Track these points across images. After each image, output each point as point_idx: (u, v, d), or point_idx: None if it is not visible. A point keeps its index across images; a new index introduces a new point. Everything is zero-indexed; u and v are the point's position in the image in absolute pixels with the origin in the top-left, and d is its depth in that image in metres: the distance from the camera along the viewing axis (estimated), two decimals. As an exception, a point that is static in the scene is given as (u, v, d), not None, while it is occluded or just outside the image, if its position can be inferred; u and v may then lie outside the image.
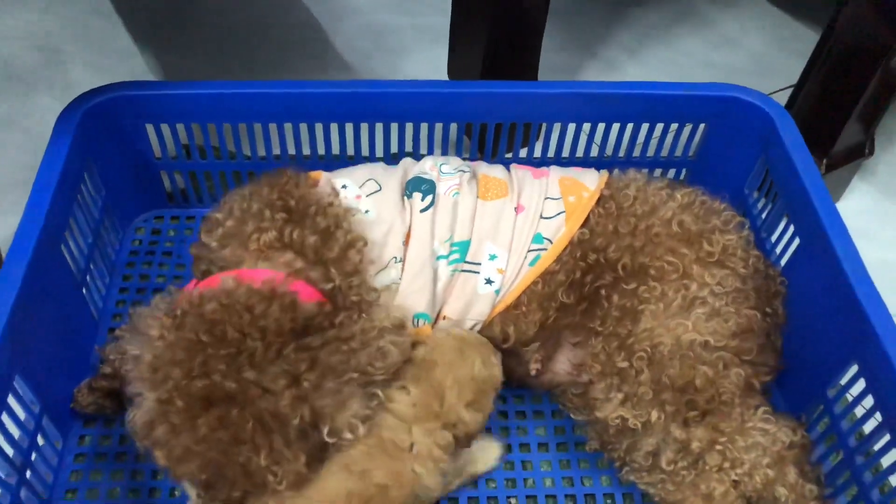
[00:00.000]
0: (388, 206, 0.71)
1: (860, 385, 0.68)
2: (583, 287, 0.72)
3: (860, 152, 0.99)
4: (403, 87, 0.85)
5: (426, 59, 1.23)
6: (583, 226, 0.73)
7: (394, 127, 0.88)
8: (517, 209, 0.74)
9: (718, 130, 0.89)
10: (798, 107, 0.97)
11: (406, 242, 0.71)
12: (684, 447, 0.66)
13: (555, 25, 1.28)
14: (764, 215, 0.86)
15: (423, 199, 0.72)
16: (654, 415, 0.65)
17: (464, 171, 0.75)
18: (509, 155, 0.98)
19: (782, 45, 1.33)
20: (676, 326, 0.66)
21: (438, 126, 0.88)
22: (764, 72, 1.28)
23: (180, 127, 0.86)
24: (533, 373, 0.76)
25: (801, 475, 0.67)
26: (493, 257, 0.73)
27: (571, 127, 0.90)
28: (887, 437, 0.64)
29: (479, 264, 0.72)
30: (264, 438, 0.54)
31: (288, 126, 0.86)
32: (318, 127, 0.86)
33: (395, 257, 0.70)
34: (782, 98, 1.02)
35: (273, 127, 0.85)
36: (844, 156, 0.99)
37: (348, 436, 0.58)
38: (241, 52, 1.24)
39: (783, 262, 0.81)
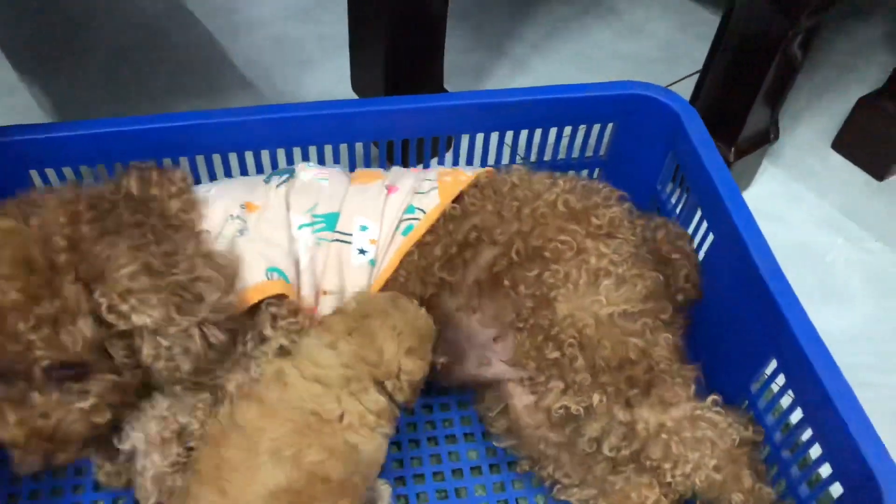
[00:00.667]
0: (233, 184, 0.74)
1: (782, 379, 0.68)
2: (464, 266, 0.71)
3: (766, 138, 1.01)
4: (300, 110, 0.82)
5: (333, 70, 1.20)
6: (456, 202, 0.74)
7: (296, 151, 0.84)
8: (389, 189, 0.75)
9: (627, 129, 0.89)
10: (704, 96, 0.98)
11: (249, 209, 0.71)
12: (630, 430, 0.65)
13: (462, 26, 1.27)
14: (678, 211, 0.85)
15: (279, 178, 0.74)
16: (596, 398, 0.64)
17: (337, 169, 0.77)
18: (420, 167, 0.95)
19: (687, 31, 1.34)
20: (592, 304, 0.66)
21: (343, 146, 0.85)
22: (672, 59, 1.29)
23: (67, 171, 0.80)
24: (437, 367, 0.73)
25: (756, 477, 0.66)
26: (364, 228, 0.72)
27: (480, 136, 0.88)
28: (810, 432, 0.64)
29: (351, 234, 0.72)
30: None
31: (185, 160, 0.81)
32: (216, 158, 0.82)
33: (232, 214, 0.70)
34: (689, 84, 1.02)
35: (168, 162, 0.81)
36: (752, 142, 1.00)
37: (122, 306, 0.58)
38: (137, 77, 1.18)
39: (701, 256, 0.81)
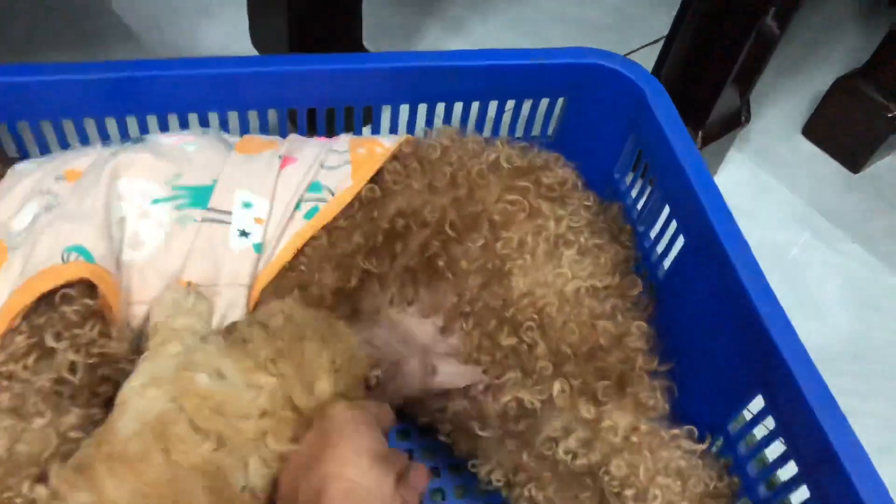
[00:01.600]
0: (66, 154, 0.60)
1: (770, 422, 0.55)
2: (392, 257, 0.59)
3: (737, 121, 0.88)
4: (175, 68, 0.64)
5: (230, 23, 1.01)
6: (374, 180, 0.61)
7: (172, 119, 0.66)
8: (284, 160, 0.61)
9: (580, 105, 0.74)
10: (666, 73, 0.84)
11: (68, 178, 0.57)
12: (592, 432, 0.53)
13: (388, -20, 1.10)
14: (640, 206, 0.71)
15: (124, 144, 0.60)
16: (557, 387, 0.53)
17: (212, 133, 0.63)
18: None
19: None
20: (555, 278, 0.55)
21: (233, 115, 0.68)
22: (625, 26, 1.15)
23: None
24: (372, 382, 0.58)
25: None
26: (247, 205, 0.58)
27: (404, 108, 0.72)
28: (794, 467, 0.52)
29: (229, 213, 0.58)
30: None
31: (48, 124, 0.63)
32: (90, 123, 0.65)
33: (42, 189, 0.56)
34: (643, 57, 0.88)
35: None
36: (720, 126, 0.87)
37: None
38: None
39: (667, 263, 0.67)
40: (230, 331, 0.51)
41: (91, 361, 0.51)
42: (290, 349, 0.48)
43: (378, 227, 0.59)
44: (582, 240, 0.58)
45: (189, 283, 0.56)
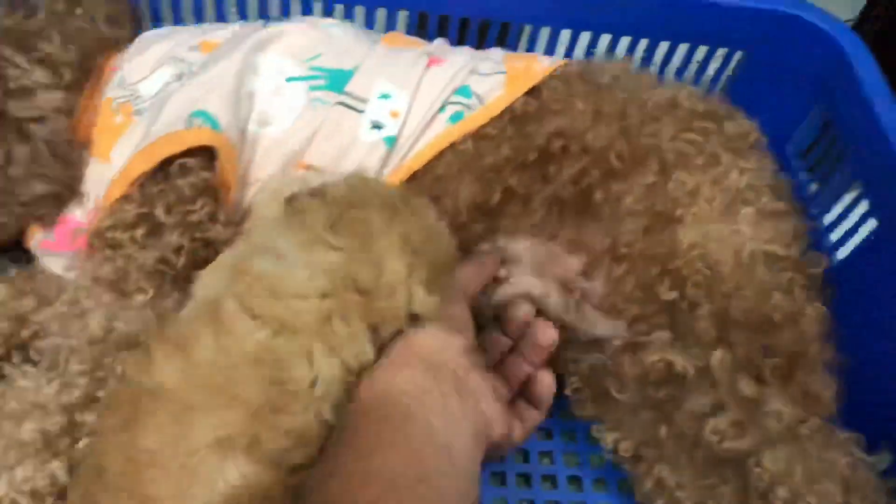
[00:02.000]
0: (204, 26, 0.58)
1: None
2: (542, 179, 0.53)
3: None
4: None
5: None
6: (531, 95, 0.54)
7: (316, 6, 0.61)
8: (431, 59, 0.56)
9: (760, 61, 0.66)
10: (868, 31, 0.74)
11: (203, 49, 0.54)
12: (748, 416, 0.46)
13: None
14: (814, 186, 0.62)
15: (266, 26, 0.56)
16: (718, 356, 0.46)
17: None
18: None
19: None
20: (730, 234, 0.49)
21: (380, 13, 0.62)
22: None
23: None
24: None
25: None
26: (385, 96, 0.54)
27: (565, 34, 0.64)
28: None
29: (365, 101, 0.53)
30: None
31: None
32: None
33: (176, 56, 0.53)
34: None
35: None
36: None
37: None
38: None
39: (844, 252, 0.58)
40: (290, 202, 0.44)
41: (195, 245, 0.49)
42: (352, 219, 0.40)
43: (531, 144, 0.52)
44: (764, 200, 0.51)
45: (309, 167, 0.52)
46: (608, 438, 0.54)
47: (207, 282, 0.42)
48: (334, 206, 0.41)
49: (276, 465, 0.36)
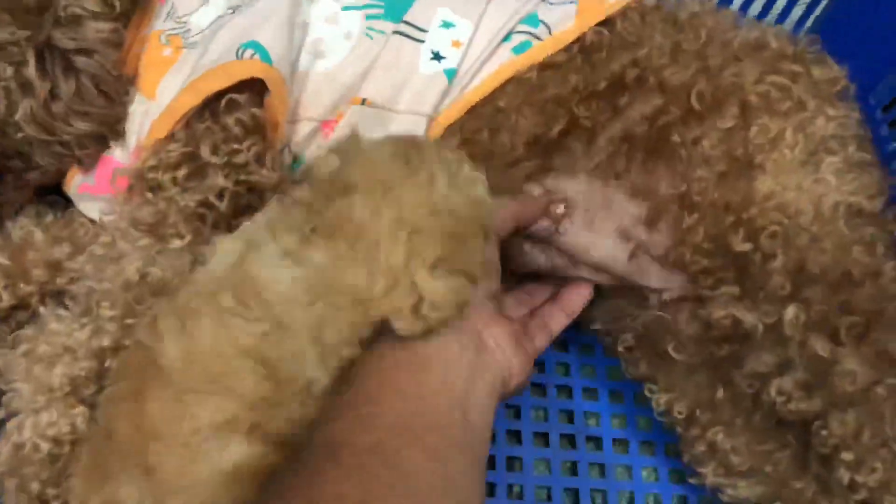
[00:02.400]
0: None
1: None
2: (612, 110, 0.50)
3: None
4: None
5: None
6: (603, 26, 0.51)
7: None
8: None
9: (847, 7, 0.61)
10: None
11: None
12: (820, 377, 0.43)
13: None
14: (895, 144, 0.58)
15: None
16: (791, 313, 0.44)
17: None
18: None
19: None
20: (811, 185, 0.46)
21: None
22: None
23: None
24: (550, 224, 0.51)
25: None
26: (447, 24, 0.51)
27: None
28: None
29: (425, 31, 0.51)
30: None
31: None
32: None
33: None
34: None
35: None
36: None
37: None
38: None
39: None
40: (280, 199, 0.41)
41: (239, 189, 0.46)
42: (335, 216, 0.36)
43: (602, 73, 0.50)
44: (849, 150, 0.48)
45: (364, 101, 0.50)
46: (661, 400, 0.52)
47: (220, 253, 0.39)
48: (318, 197, 0.37)
49: (280, 445, 0.35)
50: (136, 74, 0.49)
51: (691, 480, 0.51)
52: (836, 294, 0.44)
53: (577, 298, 0.50)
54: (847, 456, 0.43)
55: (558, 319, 0.49)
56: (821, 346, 0.43)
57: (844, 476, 0.43)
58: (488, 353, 0.39)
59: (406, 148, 0.38)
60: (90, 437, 0.40)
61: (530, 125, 0.49)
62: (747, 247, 0.45)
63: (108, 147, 0.49)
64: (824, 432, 0.43)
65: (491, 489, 0.52)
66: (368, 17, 0.50)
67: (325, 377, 0.36)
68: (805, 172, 0.46)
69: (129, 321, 0.43)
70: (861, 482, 0.42)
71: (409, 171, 0.37)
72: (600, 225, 0.51)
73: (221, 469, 0.34)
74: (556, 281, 0.53)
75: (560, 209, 0.51)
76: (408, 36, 0.50)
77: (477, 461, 0.36)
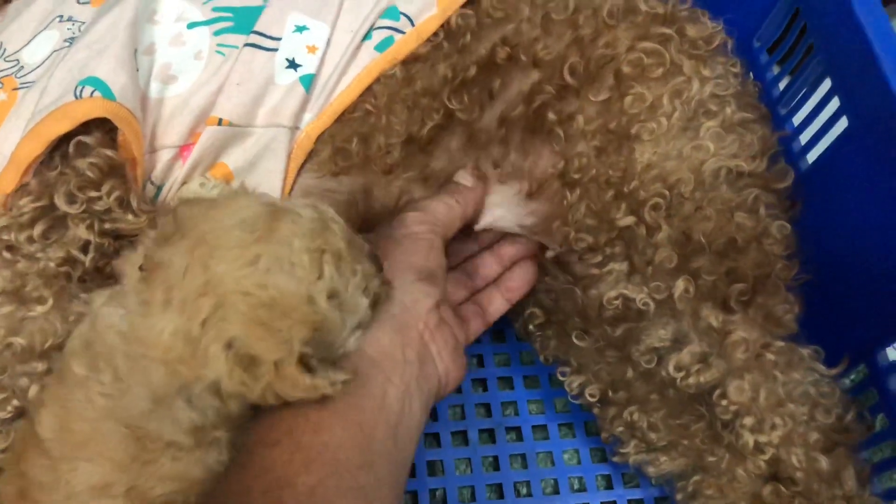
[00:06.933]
0: None
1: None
2: (487, 98, 0.49)
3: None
4: None
5: None
6: (468, 6, 0.49)
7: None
8: None
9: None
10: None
11: (94, 1, 0.47)
12: (713, 347, 0.44)
13: None
14: (783, 84, 0.57)
15: None
16: (681, 286, 0.44)
17: None
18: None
19: None
20: (691, 151, 0.45)
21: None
22: None
23: None
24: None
25: (859, 479, 0.44)
26: (300, 29, 0.48)
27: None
28: None
29: (279, 39, 0.47)
30: None
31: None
32: None
33: (62, 16, 0.46)
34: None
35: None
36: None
37: None
38: None
39: (813, 155, 0.54)
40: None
41: (103, 241, 0.43)
42: (163, 251, 0.34)
43: (472, 57, 0.47)
44: (728, 111, 0.47)
45: (220, 121, 0.46)
46: (574, 384, 0.51)
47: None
48: (163, 230, 0.35)
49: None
50: None
51: (614, 459, 0.51)
52: (723, 262, 0.43)
53: (519, 284, 0.49)
54: (748, 420, 0.43)
55: (497, 305, 0.48)
56: (713, 318, 0.43)
57: (749, 439, 0.43)
58: (430, 365, 0.38)
59: (262, 217, 0.35)
60: None
61: (403, 124, 0.47)
62: (630, 220, 0.44)
63: None
64: (724, 402, 0.43)
65: (414, 497, 0.51)
66: (217, 32, 0.47)
67: (182, 433, 0.34)
68: (684, 139, 0.45)
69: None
70: (765, 441, 0.42)
71: (242, 241, 0.34)
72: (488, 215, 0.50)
73: None
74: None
75: None
76: (260, 47, 0.47)
77: (397, 484, 0.35)
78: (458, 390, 0.55)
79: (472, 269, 0.50)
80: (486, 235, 0.52)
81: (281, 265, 0.33)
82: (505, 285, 0.49)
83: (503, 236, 0.52)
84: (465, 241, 0.52)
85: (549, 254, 0.49)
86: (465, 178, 0.49)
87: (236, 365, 0.32)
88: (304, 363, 0.33)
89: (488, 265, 0.50)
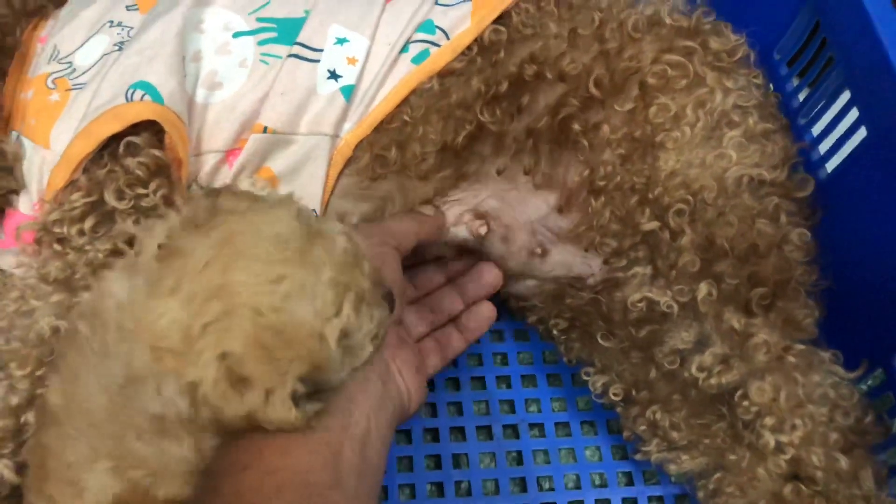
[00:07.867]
0: None
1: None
2: (516, 111, 0.50)
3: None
4: None
5: None
6: (500, 22, 0.51)
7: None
8: None
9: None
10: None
11: (141, 7, 0.50)
12: (735, 350, 0.46)
13: None
14: (803, 95, 0.59)
15: None
16: (704, 290, 0.45)
17: None
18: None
19: None
20: (714, 160, 0.47)
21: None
22: None
23: None
24: (475, 239, 0.53)
25: (877, 480, 0.46)
26: (341, 41, 0.50)
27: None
28: None
29: (320, 51, 0.50)
30: None
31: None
32: None
33: (112, 21, 0.49)
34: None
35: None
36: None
37: None
38: None
39: (832, 165, 0.55)
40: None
41: None
42: (190, 236, 0.34)
43: (503, 73, 0.49)
44: (750, 122, 0.48)
45: (265, 129, 0.49)
46: (598, 383, 0.53)
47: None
48: (194, 214, 0.35)
49: (141, 488, 0.34)
50: (27, 123, 0.48)
51: (636, 457, 0.52)
52: (745, 267, 0.45)
53: (477, 325, 0.51)
54: (769, 420, 0.44)
55: (456, 345, 0.50)
56: (735, 320, 0.45)
57: (770, 439, 0.44)
58: (393, 383, 0.39)
59: (297, 236, 0.34)
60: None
61: (437, 134, 0.49)
62: (654, 225, 0.46)
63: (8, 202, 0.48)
64: (745, 402, 0.45)
65: (440, 488, 0.53)
66: (261, 42, 0.49)
67: (145, 418, 0.33)
68: (708, 148, 0.47)
69: (39, 373, 0.42)
70: (786, 441, 0.44)
71: (270, 257, 0.33)
72: (516, 231, 0.52)
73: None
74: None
75: (482, 229, 0.52)
76: (303, 58, 0.49)
77: (370, 497, 0.36)
78: (483, 386, 0.58)
79: (435, 303, 0.51)
80: (454, 266, 0.54)
81: (303, 293, 0.32)
82: (464, 325, 0.51)
83: (470, 266, 0.53)
84: (432, 271, 0.54)
85: (591, 280, 0.51)
86: (426, 209, 0.51)
87: (224, 378, 0.31)
88: (292, 397, 0.32)
89: (450, 301, 0.52)
